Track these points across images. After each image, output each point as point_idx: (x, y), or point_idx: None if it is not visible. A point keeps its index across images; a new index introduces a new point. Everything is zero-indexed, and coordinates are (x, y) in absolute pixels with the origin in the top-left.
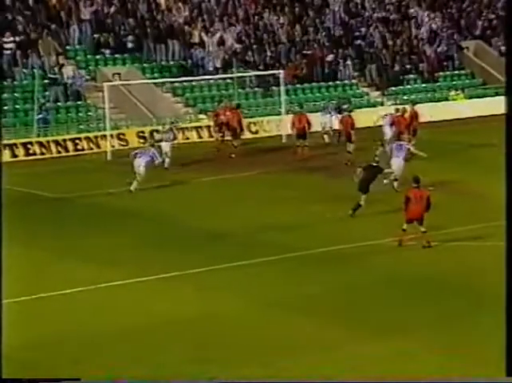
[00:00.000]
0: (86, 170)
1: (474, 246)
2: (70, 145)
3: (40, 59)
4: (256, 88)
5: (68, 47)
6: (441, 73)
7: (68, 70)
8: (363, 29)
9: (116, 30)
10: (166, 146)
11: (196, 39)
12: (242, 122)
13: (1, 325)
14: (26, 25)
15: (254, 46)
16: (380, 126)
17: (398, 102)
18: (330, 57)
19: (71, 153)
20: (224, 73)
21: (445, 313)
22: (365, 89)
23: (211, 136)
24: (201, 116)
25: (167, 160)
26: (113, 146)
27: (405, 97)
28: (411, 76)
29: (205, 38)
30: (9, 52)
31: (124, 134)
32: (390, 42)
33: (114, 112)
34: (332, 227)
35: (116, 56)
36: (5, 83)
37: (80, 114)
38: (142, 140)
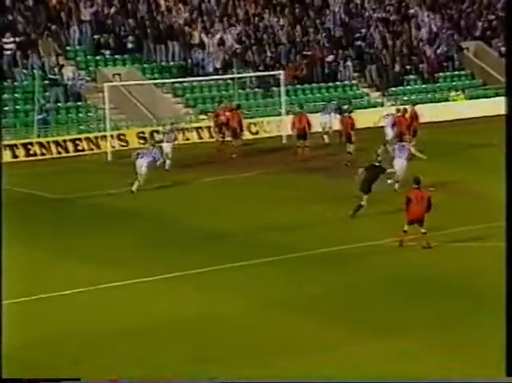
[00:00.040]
0: (86, 170)
1: (474, 247)
2: (70, 146)
3: (40, 60)
4: (256, 89)
5: (68, 48)
6: (441, 74)
7: (69, 71)
8: (363, 30)
9: (116, 31)
10: (167, 147)
11: (196, 40)
12: (242, 123)
13: (1, 326)
14: (26, 26)
15: (254, 47)
16: (381, 127)
17: (398, 103)
18: (330, 58)
19: (71, 154)
20: (224, 73)
21: (445, 314)
22: (365, 90)
23: (212, 137)
24: (201, 116)
25: (167, 162)
26: (113, 147)
27: (405, 98)
28: (412, 76)
29: (205, 39)
30: (9, 52)
31: (124, 135)
32: (390, 43)
33: (114, 112)
34: (333, 228)
35: (116, 56)
36: (5, 84)
37: (80, 115)
38: (142, 141)
